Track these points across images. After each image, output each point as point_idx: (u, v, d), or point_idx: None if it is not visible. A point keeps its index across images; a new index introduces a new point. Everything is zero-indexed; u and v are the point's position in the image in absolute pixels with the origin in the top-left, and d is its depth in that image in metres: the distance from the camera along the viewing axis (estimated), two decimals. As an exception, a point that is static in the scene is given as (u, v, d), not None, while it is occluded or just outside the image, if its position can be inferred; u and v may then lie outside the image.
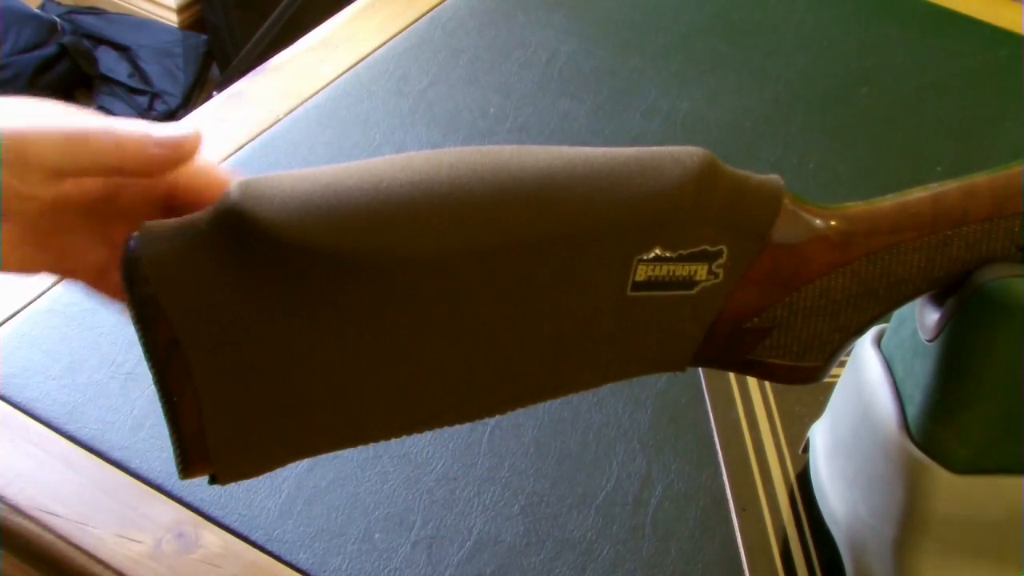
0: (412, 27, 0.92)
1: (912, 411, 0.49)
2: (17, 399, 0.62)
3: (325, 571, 0.56)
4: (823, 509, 0.57)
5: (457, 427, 0.56)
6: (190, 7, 2.11)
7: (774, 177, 0.44)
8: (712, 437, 0.64)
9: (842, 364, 0.54)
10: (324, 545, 0.57)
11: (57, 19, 2.03)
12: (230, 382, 0.41)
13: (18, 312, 0.66)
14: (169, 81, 2.04)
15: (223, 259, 0.40)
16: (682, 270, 0.43)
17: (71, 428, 0.60)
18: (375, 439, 0.45)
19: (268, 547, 0.56)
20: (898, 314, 0.51)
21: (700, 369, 0.67)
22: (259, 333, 0.41)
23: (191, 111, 0.84)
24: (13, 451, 0.59)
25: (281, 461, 0.45)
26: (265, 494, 0.58)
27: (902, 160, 0.86)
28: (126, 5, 2.13)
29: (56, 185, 0.43)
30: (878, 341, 0.53)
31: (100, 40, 2.07)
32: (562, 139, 0.83)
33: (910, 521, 0.50)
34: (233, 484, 0.49)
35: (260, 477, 0.47)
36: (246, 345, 0.41)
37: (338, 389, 0.43)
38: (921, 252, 0.44)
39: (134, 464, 0.59)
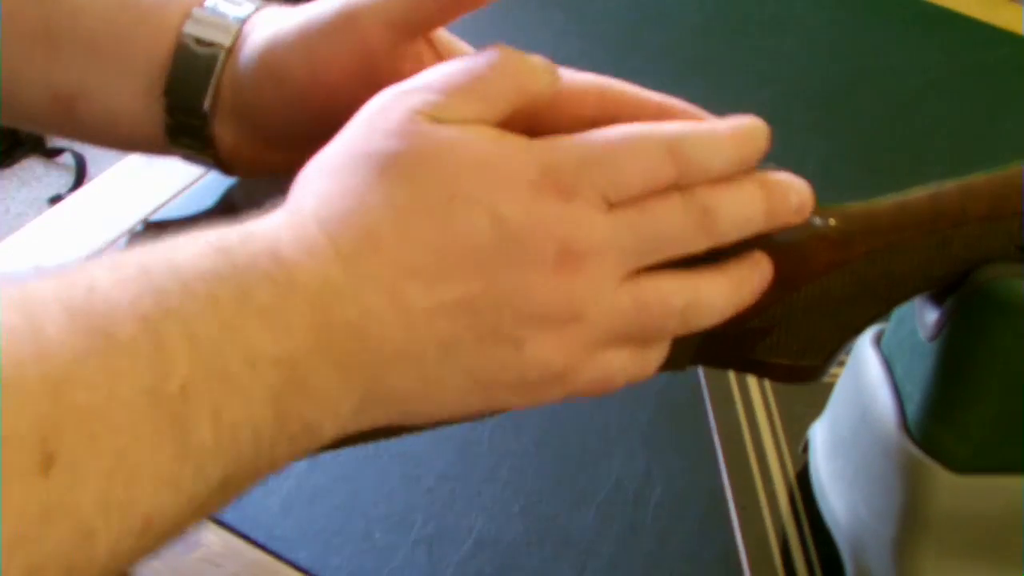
0: (412, 27, 0.92)
1: (912, 410, 0.49)
2: (17, 398, 0.61)
3: (325, 570, 0.56)
4: (823, 508, 0.57)
5: (457, 426, 0.56)
6: (190, 7, 2.10)
7: (774, 177, 0.44)
8: (712, 437, 0.64)
9: (842, 363, 0.54)
10: (324, 544, 0.57)
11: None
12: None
13: (18, 311, 0.66)
14: (169, 81, 2.03)
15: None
16: (682, 270, 0.43)
17: (71, 427, 0.60)
18: (375, 438, 0.45)
19: (268, 546, 0.56)
20: (898, 313, 0.51)
21: (700, 369, 0.67)
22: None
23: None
24: (13, 450, 0.59)
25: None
26: (265, 493, 0.58)
27: (902, 160, 0.86)
28: (126, 5, 2.12)
29: None
30: (878, 340, 0.53)
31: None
32: (562, 139, 0.83)
33: (910, 520, 0.50)
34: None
35: (260, 476, 0.47)
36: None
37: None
38: (920, 251, 0.44)
39: (134, 463, 0.59)
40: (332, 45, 0.41)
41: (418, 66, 0.40)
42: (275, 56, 0.42)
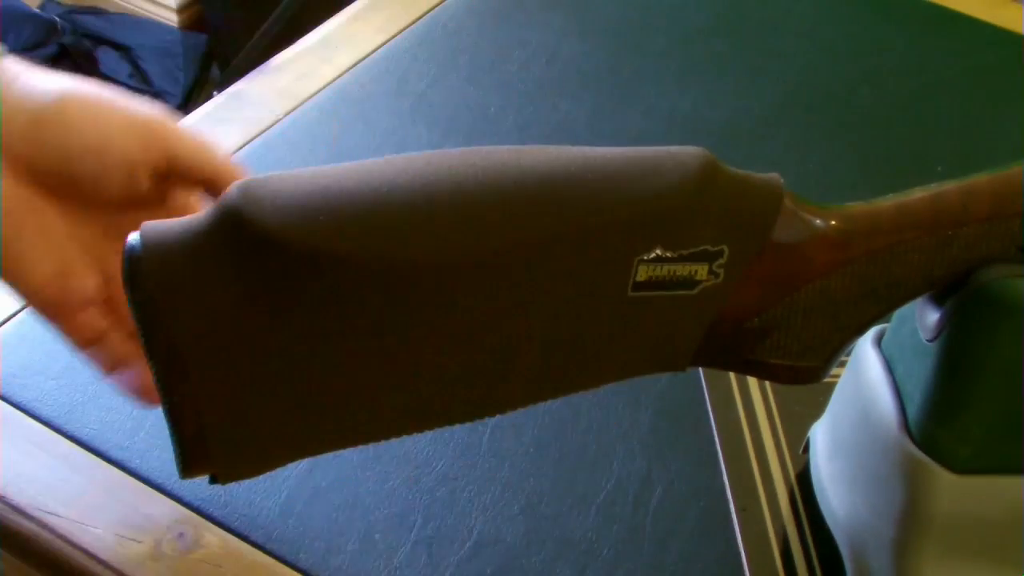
0: (412, 27, 0.92)
1: (912, 411, 0.49)
2: (17, 399, 0.61)
3: (325, 571, 0.56)
4: (823, 509, 0.57)
5: (457, 427, 0.56)
6: (190, 7, 2.11)
7: (774, 176, 0.44)
8: (712, 437, 0.64)
9: (842, 364, 0.54)
10: (324, 545, 0.57)
11: (57, 19, 2.03)
12: (229, 383, 0.41)
13: (18, 312, 0.66)
14: (169, 81, 2.04)
15: (222, 261, 0.40)
16: (683, 270, 0.43)
17: (71, 428, 0.60)
18: (375, 439, 0.45)
19: (268, 547, 0.56)
20: (898, 314, 0.51)
21: (700, 369, 0.67)
22: (258, 335, 0.41)
23: (191, 111, 0.84)
24: (13, 451, 0.59)
25: (281, 461, 0.45)
26: (266, 494, 0.58)
27: (902, 160, 0.86)
28: (126, 5, 2.13)
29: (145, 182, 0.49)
30: (878, 341, 0.53)
31: (100, 40, 2.07)
32: (562, 139, 0.83)
33: (910, 521, 0.50)
34: (233, 484, 0.49)
35: (261, 477, 0.47)
36: (245, 346, 0.41)
37: (338, 391, 0.43)
38: (921, 252, 0.44)
39: (134, 464, 0.59)
40: (127, 138, 0.48)
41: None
42: (66, 120, 0.48)
